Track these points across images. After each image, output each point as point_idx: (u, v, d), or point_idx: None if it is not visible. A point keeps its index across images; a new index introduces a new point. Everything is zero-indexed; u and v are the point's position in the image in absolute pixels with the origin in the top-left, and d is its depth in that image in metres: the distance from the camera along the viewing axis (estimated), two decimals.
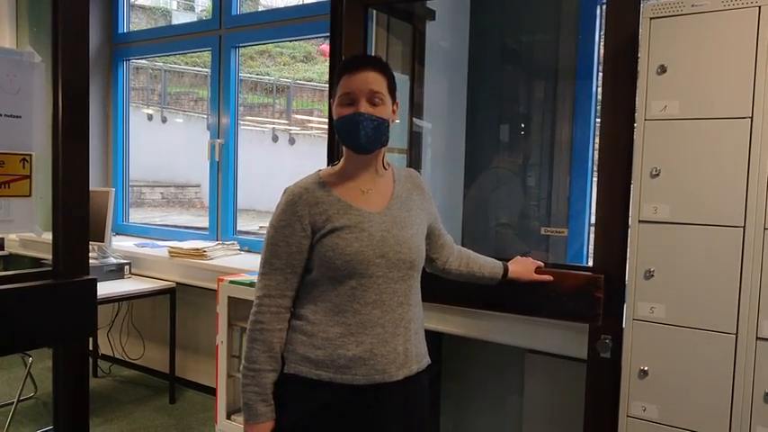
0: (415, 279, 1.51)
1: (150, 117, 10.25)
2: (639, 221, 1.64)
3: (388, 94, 1.47)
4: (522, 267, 1.83)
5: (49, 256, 1.79)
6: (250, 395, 1.43)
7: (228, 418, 2.75)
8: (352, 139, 1.43)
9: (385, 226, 1.45)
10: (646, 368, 1.64)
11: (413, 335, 1.49)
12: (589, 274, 1.83)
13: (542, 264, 1.88)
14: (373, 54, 2.45)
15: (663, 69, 1.60)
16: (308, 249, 1.44)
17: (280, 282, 1.44)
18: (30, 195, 1.64)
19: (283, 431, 1.45)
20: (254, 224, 5.29)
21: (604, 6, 2.47)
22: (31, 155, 1.64)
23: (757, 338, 1.50)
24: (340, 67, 1.48)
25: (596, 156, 1.93)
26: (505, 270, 1.78)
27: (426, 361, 1.55)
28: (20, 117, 1.60)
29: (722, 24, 1.53)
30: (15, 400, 3.17)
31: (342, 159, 1.52)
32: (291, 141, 10.05)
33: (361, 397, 1.41)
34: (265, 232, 1.50)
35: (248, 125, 9.68)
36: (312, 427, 1.44)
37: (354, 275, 1.40)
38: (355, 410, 1.42)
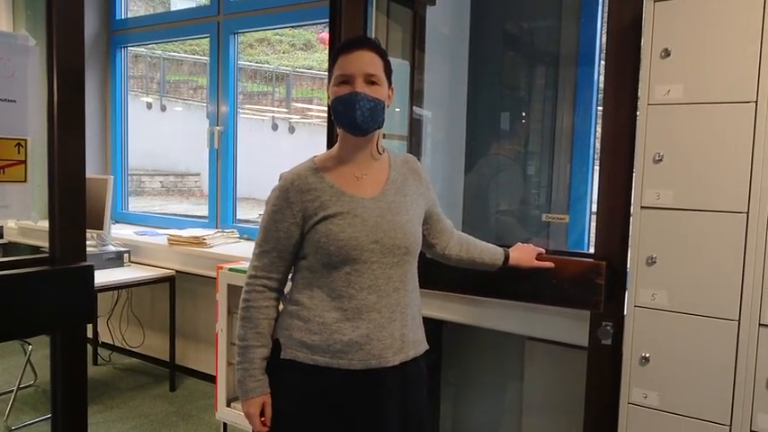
0: (410, 264, 1.50)
1: (149, 105, 10.20)
2: (642, 207, 1.63)
3: (385, 76, 1.45)
4: (523, 254, 1.82)
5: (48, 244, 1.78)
6: (241, 372, 1.46)
7: (228, 405, 2.75)
8: (349, 118, 1.41)
9: (379, 212, 1.44)
10: (647, 355, 1.63)
11: (409, 320, 1.48)
12: (590, 260, 1.82)
13: (543, 250, 1.87)
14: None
15: (667, 53, 1.57)
16: (297, 236, 1.44)
17: (266, 264, 1.47)
18: (25, 181, 1.63)
19: (281, 416, 1.46)
20: (254, 212, 5.27)
21: None
22: (26, 140, 1.62)
23: (760, 325, 1.48)
24: (336, 48, 1.47)
25: (597, 143, 1.92)
26: (506, 256, 1.77)
27: (424, 346, 1.55)
28: (14, 101, 1.58)
29: (727, 7, 1.50)
30: (15, 388, 3.18)
31: (337, 144, 1.51)
32: (291, 130, 10.00)
33: (358, 382, 1.41)
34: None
35: (248, 113, 9.63)
36: (309, 412, 1.44)
37: (349, 261, 1.40)
38: (352, 395, 1.42)
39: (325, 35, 2.42)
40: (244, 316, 1.47)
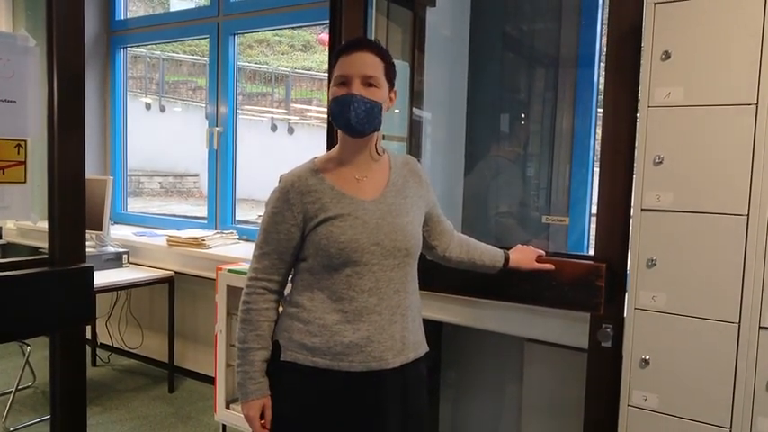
0: (411, 266, 1.50)
1: (148, 106, 10.19)
2: (642, 210, 1.62)
3: (385, 79, 1.45)
4: (523, 256, 1.82)
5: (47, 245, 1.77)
6: (241, 374, 1.45)
7: (227, 407, 2.74)
8: (343, 119, 1.41)
9: (379, 214, 1.44)
10: (647, 357, 1.63)
11: (410, 322, 1.48)
12: (590, 262, 1.82)
13: (543, 252, 1.87)
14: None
15: (667, 55, 1.57)
16: (298, 237, 1.44)
17: (266, 266, 1.46)
18: (25, 182, 1.62)
19: (282, 419, 1.46)
20: (253, 213, 5.27)
21: None
22: (25, 141, 1.62)
23: (760, 327, 1.48)
24: (337, 49, 1.47)
25: (597, 145, 1.92)
26: (506, 258, 1.76)
27: (424, 348, 1.55)
28: (14, 102, 1.58)
29: (728, 9, 1.50)
30: (14, 389, 3.17)
31: (337, 145, 1.51)
32: (290, 131, 10.00)
33: (358, 384, 1.41)
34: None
35: (247, 114, 9.63)
36: (310, 414, 1.43)
37: (349, 263, 1.40)
38: (352, 397, 1.42)
39: (325, 36, 2.42)
40: (244, 318, 1.47)
